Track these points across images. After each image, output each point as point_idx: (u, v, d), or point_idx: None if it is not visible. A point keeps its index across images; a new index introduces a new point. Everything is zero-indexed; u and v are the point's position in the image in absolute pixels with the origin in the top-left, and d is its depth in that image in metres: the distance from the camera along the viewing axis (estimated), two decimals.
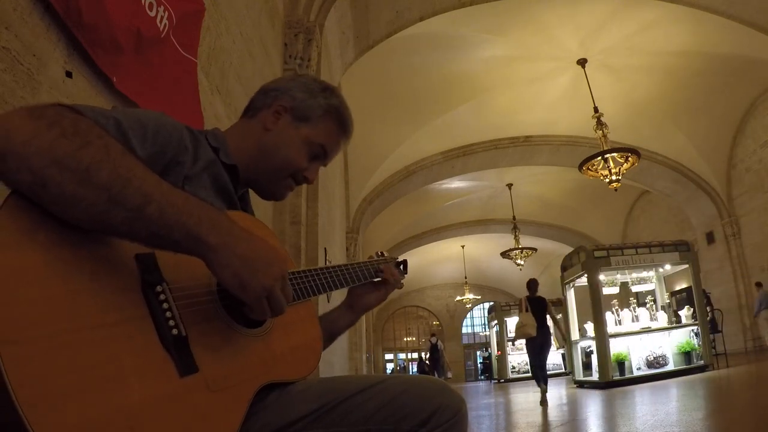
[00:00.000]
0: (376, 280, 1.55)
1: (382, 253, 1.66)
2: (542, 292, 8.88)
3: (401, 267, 1.73)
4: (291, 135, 1.34)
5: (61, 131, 0.77)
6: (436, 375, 19.09)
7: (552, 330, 8.58)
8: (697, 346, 9.92)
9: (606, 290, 10.80)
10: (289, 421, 1.04)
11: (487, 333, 23.69)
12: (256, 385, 1.01)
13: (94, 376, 0.74)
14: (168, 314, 0.88)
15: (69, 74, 1.82)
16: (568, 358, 14.04)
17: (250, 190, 1.43)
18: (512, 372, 17.31)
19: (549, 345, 8.44)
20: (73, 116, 0.81)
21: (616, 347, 9.79)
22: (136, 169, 0.83)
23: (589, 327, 10.39)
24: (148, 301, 0.86)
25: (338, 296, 1.51)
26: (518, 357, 17.64)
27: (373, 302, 1.57)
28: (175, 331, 0.87)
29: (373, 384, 1.09)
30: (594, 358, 10.15)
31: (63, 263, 0.77)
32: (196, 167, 1.16)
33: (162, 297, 0.88)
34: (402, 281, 1.65)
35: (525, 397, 9.54)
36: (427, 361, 24.00)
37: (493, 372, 20.67)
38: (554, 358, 17.95)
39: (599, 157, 10.73)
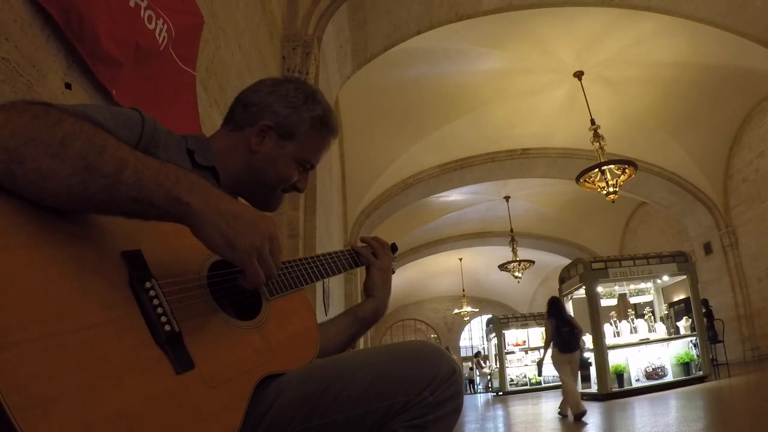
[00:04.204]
0: (361, 265, 1.53)
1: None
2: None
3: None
4: (278, 155, 1.34)
5: (33, 115, 0.78)
6: None
7: None
8: (695, 356, 9.90)
9: (604, 302, 10.78)
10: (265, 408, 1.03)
11: (485, 345, 23.54)
12: (255, 378, 1.00)
13: (87, 378, 0.72)
14: (159, 310, 0.86)
15: (68, 86, 1.83)
16: None
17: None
18: (510, 384, 17.20)
19: None
20: (43, 105, 0.81)
21: (614, 359, 9.78)
22: (110, 139, 0.83)
23: (588, 339, 10.37)
24: (138, 298, 0.84)
25: (336, 305, 1.50)
26: (516, 370, 17.56)
27: (376, 286, 1.53)
28: (167, 327, 0.85)
29: (359, 361, 1.09)
30: (593, 370, 10.12)
31: (47, 264, 0.75)
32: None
33: (152, 293, 0.86)
34: (392, 267, 1.61)
35: (524, 410, 9.51)
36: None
37: (492, 384, 20.57)
38: (554, 370, 17.86)
39: (596, 170, 10.72)
